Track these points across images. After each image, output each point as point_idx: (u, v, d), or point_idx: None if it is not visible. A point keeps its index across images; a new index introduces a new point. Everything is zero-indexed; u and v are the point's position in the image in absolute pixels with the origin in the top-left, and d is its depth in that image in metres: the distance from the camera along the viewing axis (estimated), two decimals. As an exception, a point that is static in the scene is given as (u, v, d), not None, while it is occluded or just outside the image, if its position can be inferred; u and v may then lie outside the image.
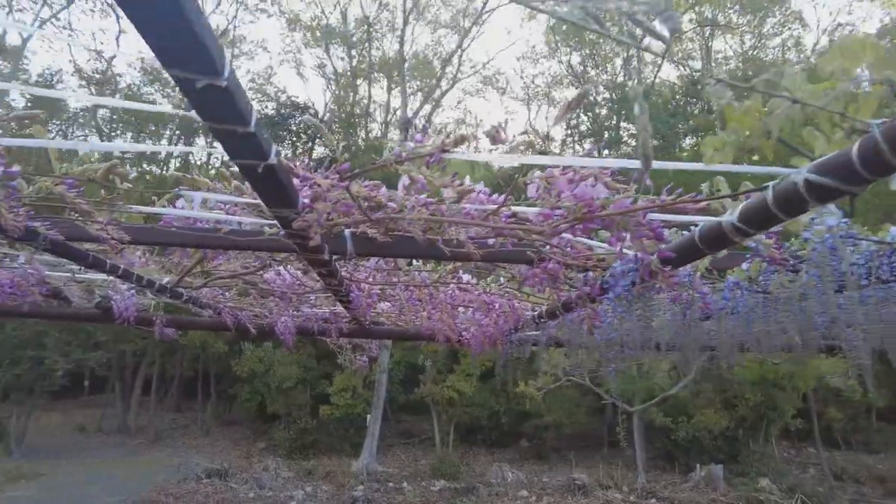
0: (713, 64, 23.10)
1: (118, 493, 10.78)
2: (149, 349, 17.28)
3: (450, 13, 24.69)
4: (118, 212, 1.32)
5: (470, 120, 28.20)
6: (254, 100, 20.50)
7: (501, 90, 26.78)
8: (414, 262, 2.11)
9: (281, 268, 2.15)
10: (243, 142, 0.77)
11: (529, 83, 26.66)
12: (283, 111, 21.58)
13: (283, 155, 0.94)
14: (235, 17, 23.87)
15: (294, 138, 21.79)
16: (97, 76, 20.68)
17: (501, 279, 2.19)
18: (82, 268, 1.91)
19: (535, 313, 2.27)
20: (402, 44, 22.59)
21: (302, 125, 21.22)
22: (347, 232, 1.34)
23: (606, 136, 21.81)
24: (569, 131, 24.32)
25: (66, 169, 1.22)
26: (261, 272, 2.17)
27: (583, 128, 23.94)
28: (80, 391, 20.64)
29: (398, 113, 24.86)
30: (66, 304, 2.97)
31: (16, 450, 13.76)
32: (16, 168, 1.18)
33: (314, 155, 20.80)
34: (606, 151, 19.16)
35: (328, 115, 24.00)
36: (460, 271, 2.15)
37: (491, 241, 1.26)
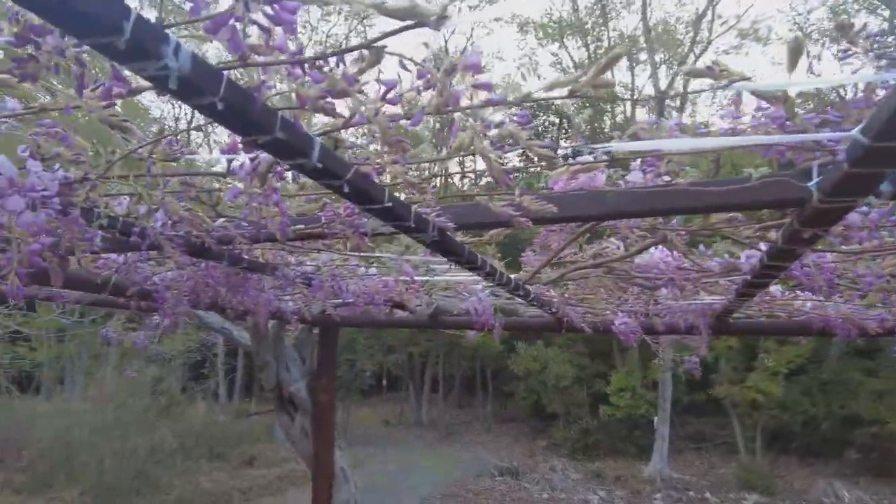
0: None
1: (425, 484, 11.74)
2: (432, 350, 18.85)
3: (694, -33, 22.06)
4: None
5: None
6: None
7: (765, 40, 22.87)
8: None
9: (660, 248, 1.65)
10: None
11: (803, 23, 22.27)
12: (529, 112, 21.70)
13: None
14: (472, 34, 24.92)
15: (540, 137, 21.80)
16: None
17: None
18: (452, 265, 1.69)
19: None
20: (644, 13, 20.86)
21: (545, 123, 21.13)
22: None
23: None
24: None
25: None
26: (632, 256, 1.70)
27: None
28: (381, 389, 23.63)
29: (644, 90, 23.10)
30: (402, 312, 2.94)
31: (342, 439, 16.18)
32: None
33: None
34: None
35: (573, 106, 23.45)
36: None
37: None
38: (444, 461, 14.04)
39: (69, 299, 3.91)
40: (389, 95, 0.62)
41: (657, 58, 22.55)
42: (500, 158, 0.66)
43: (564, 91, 0.64)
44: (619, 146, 0.83)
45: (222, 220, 1.32)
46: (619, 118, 23.41)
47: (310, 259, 2.07)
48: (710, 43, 22.03)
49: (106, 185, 1.16)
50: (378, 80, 0.61)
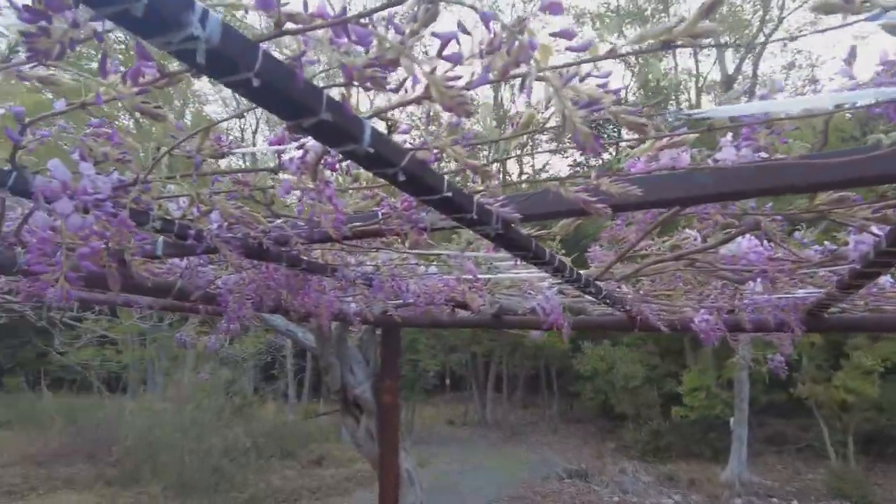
0: None
1: (491, 485, 11.62)
2: (496, 350, 18.70)
3: (762, -57, 20.80)
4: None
5: (802, 61, 23.18)
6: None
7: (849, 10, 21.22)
8: None
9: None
10: None
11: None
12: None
13: None
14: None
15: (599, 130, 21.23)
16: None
17: None
18: (517, 261, 1.59)
19: None
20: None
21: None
22: None
23: None
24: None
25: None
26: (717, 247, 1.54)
27: None
28: (444, 389, 23.69)
29: (709, 77, 22.08)
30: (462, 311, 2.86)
31: (408, 439, 16.33)
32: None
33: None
34: None
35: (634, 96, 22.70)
36: None
37: None
38: (509, 462, 13.87)
39: (142, 304, 4.06)
40: (447, 52, 0.53)
41: (723, 41, 21.47)
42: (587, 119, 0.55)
43: (657, 41, 0.53)
44: (720, 110, 0.70)
45: (279, 220, 1.28)
46: (683, 105, 22.45)
47: (369, 259, 2.02)
48: (781, 21, 20.78)
49: (161, 188, 1.14)
50: (434, 34, 0.52)
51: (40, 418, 13.76)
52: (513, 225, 1.14)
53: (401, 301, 2.81)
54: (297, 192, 1.00)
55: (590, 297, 2.18)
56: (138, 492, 10.09)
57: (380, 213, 1.09)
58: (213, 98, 20.06)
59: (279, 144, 0.87)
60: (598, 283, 1.89)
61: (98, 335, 11.57)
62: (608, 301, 2.21)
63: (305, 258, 1.70)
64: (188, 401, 11.64)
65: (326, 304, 2.14)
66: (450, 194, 0.92)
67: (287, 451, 12.65)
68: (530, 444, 16.74)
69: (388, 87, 0.59)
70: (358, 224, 1.17)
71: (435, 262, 1.87)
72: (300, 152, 0.86)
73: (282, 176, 0.99)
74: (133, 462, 10.70)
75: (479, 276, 1.79)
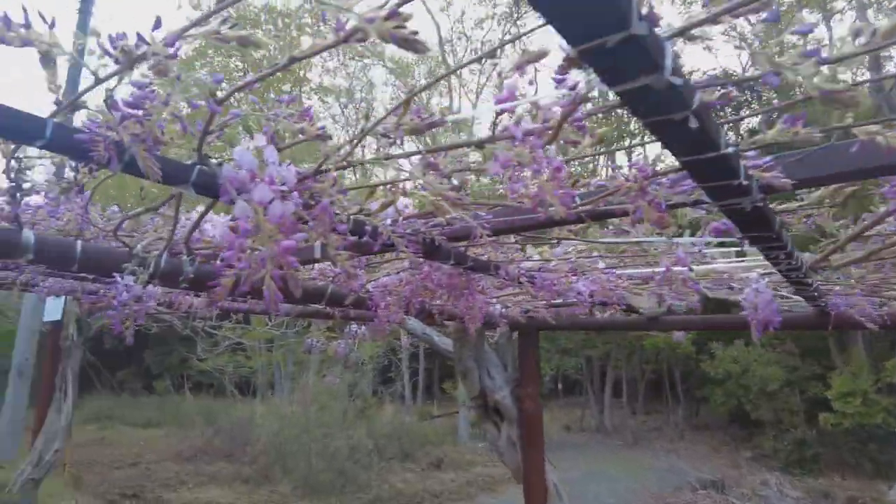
0: None
1: (616, 494, 11.05)
2: (612, 353, 17.91)
3: None
4: None
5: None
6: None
7: None
8: None
9: None
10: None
11: None
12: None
13: None
14: None
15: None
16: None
17: None
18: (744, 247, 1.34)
19: None
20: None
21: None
22: None
23: None
24: None
25: None
26: None
27: None
28: (557, 394, 23.08)
29: None
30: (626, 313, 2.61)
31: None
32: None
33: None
34: None
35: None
36: None
37: None
38: (634, 469, 13.13)
39: (281, 312, 4.16)
40: None
41: None
42: None
43: None
44: None
45: (458, 212, 1.12)
46: None
47: (523, 255, 1.84)
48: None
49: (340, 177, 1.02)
50: None
51: (184, 419, 15.04)
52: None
53: (545, 301, 2.60)
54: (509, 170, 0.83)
55: (787, 291, 1.84)
56: (271, 490, 10.65)
57: (611, 186, 0.89)
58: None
59: (506, 101, 0.70)
60: (810, 271, 1.57)
61: (233, 342, 12.42)
62: (816, 294, 1.87)
63: (471, 255, 1.54)
64: (313, 403, 12.16)
65: (480, 304, 1.98)
66: (729, 151, 0.70)
67: (406, 453, 12.84)
68: (655, 451, 15.79)
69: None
70: (585, 202, 0.97)
71: (611, 254, 1.65)
72: (537, 107, 0.68)
73: (493, 147, 0.82)
74: (265, 462, 11.33)
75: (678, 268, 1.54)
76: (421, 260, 1.70)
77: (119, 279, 1.31)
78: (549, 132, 0.67)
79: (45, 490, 6.00)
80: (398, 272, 1.79)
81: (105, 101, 0.69)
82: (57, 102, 0.74)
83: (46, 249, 1.28)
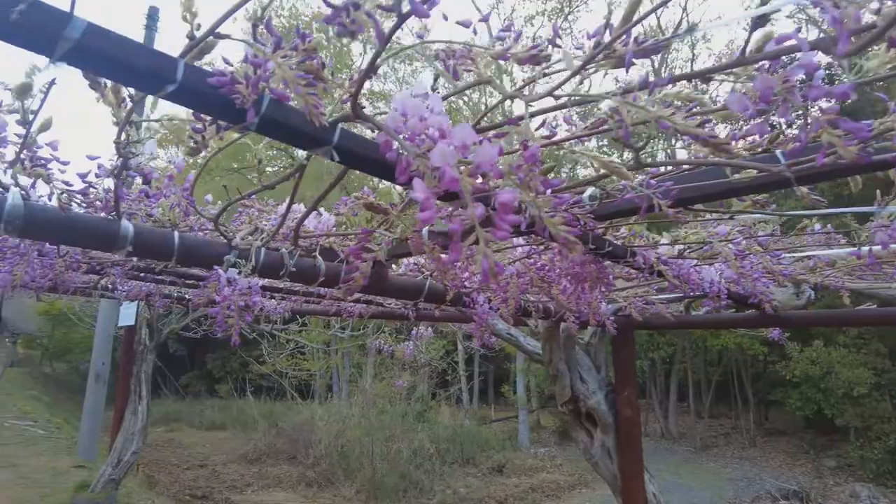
0: None
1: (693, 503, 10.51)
2: (676, 356, 17.20)
3: None
4: None
5: None
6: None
7: None
8: None
9: None
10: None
11: None
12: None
13: None
14: None
15: None
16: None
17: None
18: None
19: None
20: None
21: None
22: None
23: None
24: None
25: None
26: None
27: None
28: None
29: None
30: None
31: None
32: None
33: None
34: None
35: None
36: None
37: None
38: (705, 478, 12.49)
39: (354, 313, 4.03)
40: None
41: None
42: None
43: None
44: None
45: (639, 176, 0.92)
46: None
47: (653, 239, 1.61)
48: None
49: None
50: None
51: (247, 422, 15.33)
52: None
53: (666, 295, 2.37)
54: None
55: None
56: (334, 494, 10.66)
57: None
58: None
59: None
60: None
61: (297, 346, 12.56)
62: None
63: (608, 238, 1.34)
64: (372, 406, 12.15)
65: (598, 299, 1.77)
66: None
67: (467, 458, 12.65)
68: (727, 458, 15.02)
69: None
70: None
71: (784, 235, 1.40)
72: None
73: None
74: (327, 464, 11.37)
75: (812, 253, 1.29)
76: (542, 247, 1.51)
77: (220, 272, 1.18)
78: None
79: (123, 489, 6.13)
80: (511, 262, 1.60)
81: (255, 23, 0.54)
82: (190, 36, 0.59)
83: (144, 241, 1.16)
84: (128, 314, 6.94)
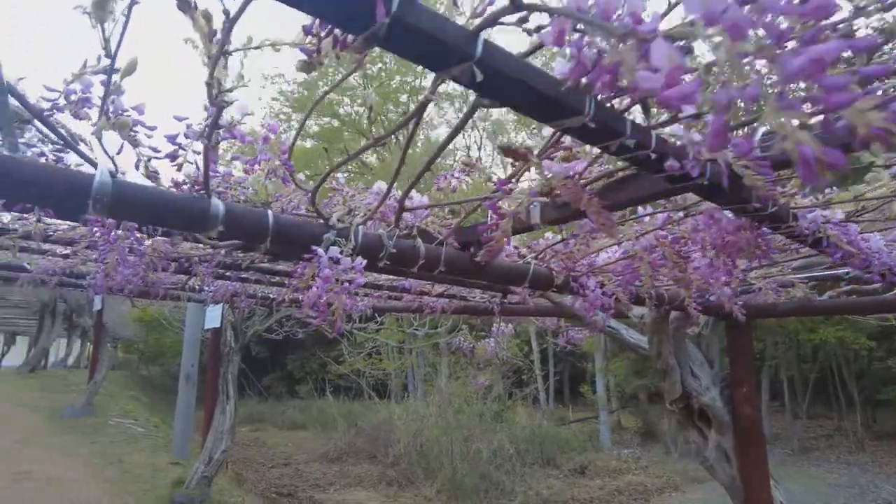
0: None
1: (794, 510, 9.70)
2: (766, 351, 16.11)
3: None
4: None
5: None
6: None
7: None
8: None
9: None
10: None
11: None
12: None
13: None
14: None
15: None
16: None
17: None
18: None
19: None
20: None
21: None
22: None
23: None
24: None
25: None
26: None
27: None
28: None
29: None
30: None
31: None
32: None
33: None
34: None
35: None
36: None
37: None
38: (809, 483, 11.54)
39: (436, 309, 3.89)
40: None
41: None
42: None
43: None
44: None
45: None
46: None
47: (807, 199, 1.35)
48: None
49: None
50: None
51: (327, 421, 15.64)
52: None
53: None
54: None
55: None
56: (415, 493, 10.64)
57: None
58: (437, 122, 21.19)
59: None
60: None
61: (376, 344, 12.66)
62: None
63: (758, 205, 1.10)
64: (449, 405, 12.04)
65: (738, 279, 1.53)
66: None
67: (547, 459, 12.31)
68: (830, 462, 13.85)
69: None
70: None
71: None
72: None
73: None
74: (407, 463, 11.36)
75: None
76: (681, 214, 1.29)
77: (321, 252, 1.04)
78: None
79: (215, 486, 6.31)
80: (636, 238, 1.39)
81: None
82: None
83: (236, 219, 1.04)
84: (213, 317, 7.17)
